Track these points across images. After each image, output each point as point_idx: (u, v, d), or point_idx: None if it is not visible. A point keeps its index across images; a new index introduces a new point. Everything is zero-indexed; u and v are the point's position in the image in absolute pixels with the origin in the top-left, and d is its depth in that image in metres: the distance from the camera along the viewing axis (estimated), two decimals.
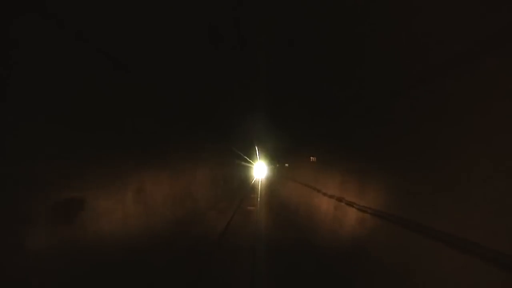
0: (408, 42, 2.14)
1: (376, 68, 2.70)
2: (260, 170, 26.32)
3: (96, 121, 2.51)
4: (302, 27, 2.40)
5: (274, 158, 15.63)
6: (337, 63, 2.93)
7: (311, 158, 5.83)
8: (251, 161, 19.33)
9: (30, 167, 1.89)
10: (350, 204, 3.88)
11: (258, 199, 11.45)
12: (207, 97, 4.48)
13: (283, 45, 2.79)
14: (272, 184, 16.31)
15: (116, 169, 2.88)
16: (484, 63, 1.72)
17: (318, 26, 2.35)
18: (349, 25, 2.26)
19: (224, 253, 4.54)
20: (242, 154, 13.75)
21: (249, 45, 2.87)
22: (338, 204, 4.41)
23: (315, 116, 4.90)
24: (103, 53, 2.41)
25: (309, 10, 2.17)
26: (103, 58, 2.44)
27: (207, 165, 6.76)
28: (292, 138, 7.73)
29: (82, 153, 2.34)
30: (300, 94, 4.15)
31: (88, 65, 2.32)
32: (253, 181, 21.12)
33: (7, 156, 1.75)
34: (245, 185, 16.13)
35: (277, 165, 15.03)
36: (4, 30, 1.69)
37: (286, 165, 11.26)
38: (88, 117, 2.41)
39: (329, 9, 2.11)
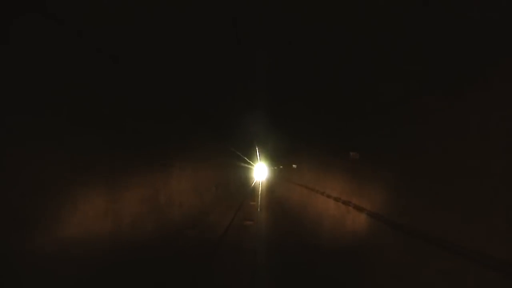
0: (409, 43, 2.14)
1: (377, 66, 2.71)
2: (260, 171, 26.21)
3: None
4: (302, 26, 2.40)
5: (275, 159, 15.16)
6: (337, 62, 2.94)
7: (351, 153, 4.22)
8: (251, 162, 19.22)
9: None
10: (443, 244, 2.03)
11: (259, 209, 10.08)
12: (206, 95, 4.48)
13: (283, 44, 2.79)
14: (274, 185, 16.08)
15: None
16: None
17: (318, 25, 2.35)
18: (349, 24, 2.27)
19: None
20: (241, 155, 13.53)
21: (248, 44, 2.87)
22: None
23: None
24: (103, 53, 2.42)
25: (309, 10, 2.18)
26: (103, 57, 2.45)
27: (193, 166, 5.90)
28: (296, 137, 7.14)
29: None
30: (302, 93, 4.13)
31: (88, 65, 2.33)
32: (253, 184, 21.00)
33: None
34: (244, 188, 15.89)
35: (281, 167, 13.48)
36: (4, 30, 1.70)
37: (294, 166, 9.32)
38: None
39: (328, 8, 2.12)
